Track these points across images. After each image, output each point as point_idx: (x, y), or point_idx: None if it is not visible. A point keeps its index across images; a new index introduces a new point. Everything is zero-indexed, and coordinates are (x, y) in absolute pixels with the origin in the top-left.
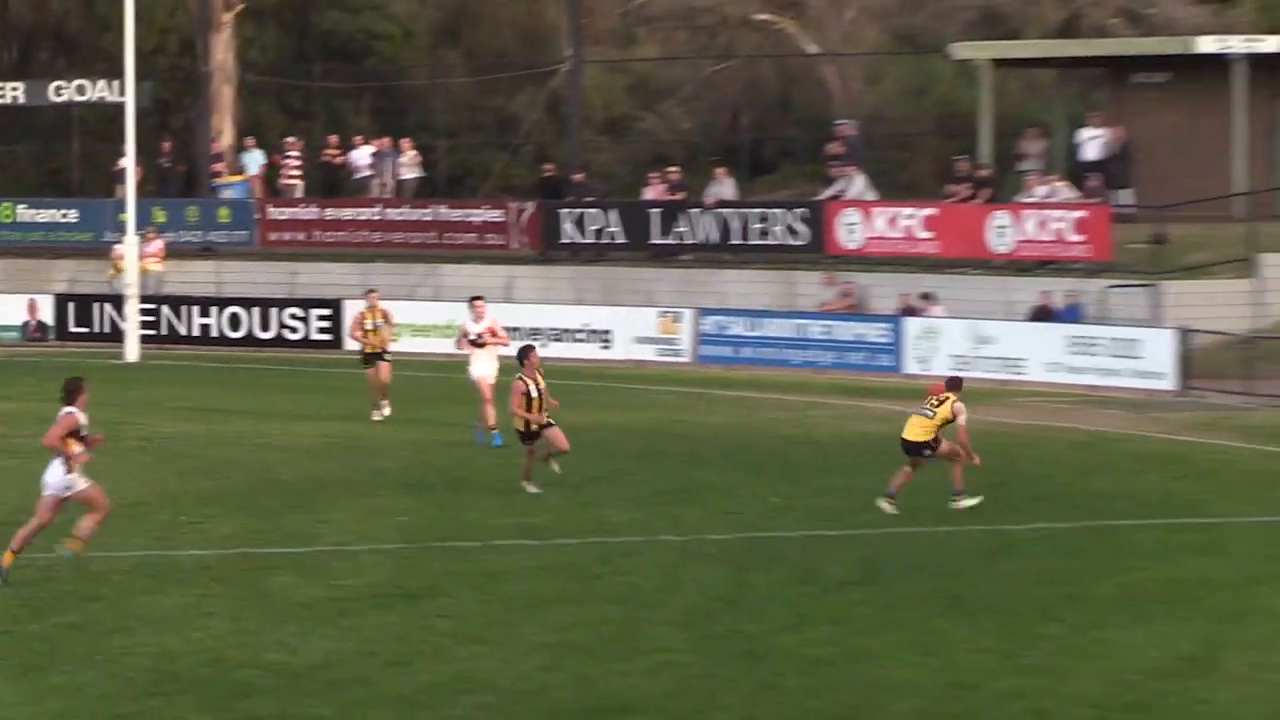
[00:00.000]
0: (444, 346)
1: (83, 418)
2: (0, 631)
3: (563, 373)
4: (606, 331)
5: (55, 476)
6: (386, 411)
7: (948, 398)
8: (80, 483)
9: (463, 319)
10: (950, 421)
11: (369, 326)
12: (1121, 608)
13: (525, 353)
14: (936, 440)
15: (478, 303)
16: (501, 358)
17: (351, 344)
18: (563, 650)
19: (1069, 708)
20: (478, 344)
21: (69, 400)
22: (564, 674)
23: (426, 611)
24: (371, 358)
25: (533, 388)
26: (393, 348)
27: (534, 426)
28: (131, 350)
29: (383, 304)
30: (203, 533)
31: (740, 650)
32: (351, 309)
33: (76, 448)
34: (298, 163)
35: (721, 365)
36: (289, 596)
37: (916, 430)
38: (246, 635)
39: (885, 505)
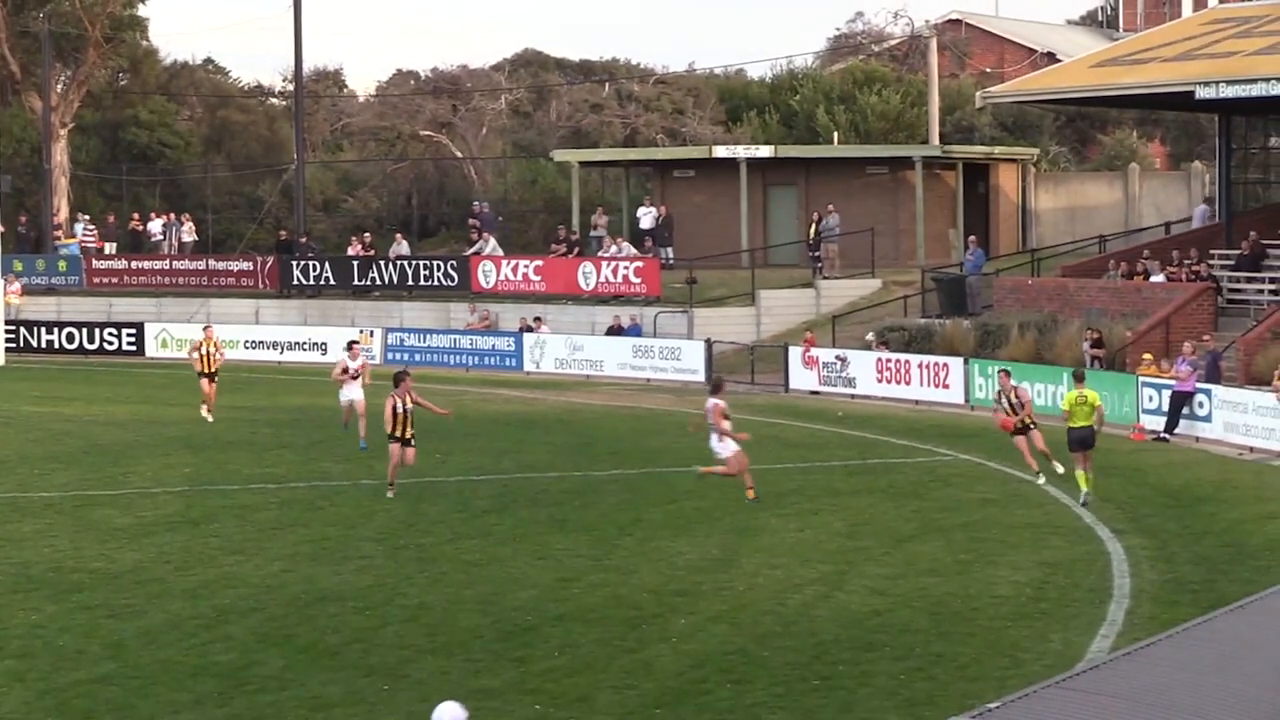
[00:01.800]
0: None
1: (725, 405)
2: None
3: (294, 370)
4: (323, 343)
5: (715, 445)
6: (209, 418)
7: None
8: (725, 451)
9: (341, 356)
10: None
11: (203, 352)
12: (669, 526)
13: (399, 378)
14: (1025, 425)
15: (355, 346)
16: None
17: (155, 353)
18: (296, 558)
19: (637, 592)
20: (353, 376)
21: (715, 393)
22: (297, 574)
23: (203, 533)
24: (204, 375)
25: (399, 405)
26: (178, 354)
27: (398, 434)
28: None
29: (216, 335)
30: (48, 481)
31: (416, 556)
32: (150, 329)
33: (726, 425)
34: (93, 231)
35: (401, 365)
36: (108, 524)
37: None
38: (79, 550)
39: (1055, 470)
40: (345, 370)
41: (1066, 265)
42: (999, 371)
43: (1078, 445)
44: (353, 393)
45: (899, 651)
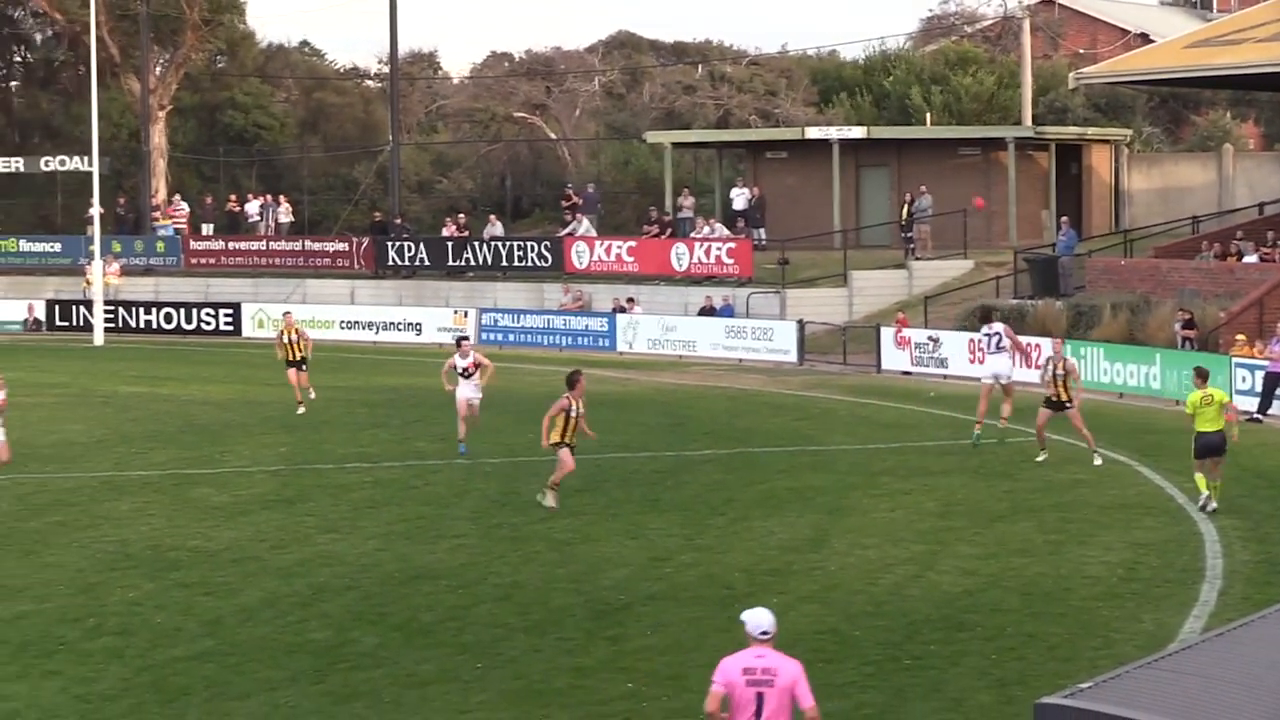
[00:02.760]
0: (308, 334)
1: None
2: (8, 528)
3: (389, 351)
4: (418, 323)
5: (1001, 367)
6: (301, 411)
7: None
8: (1011, 377)
9: (453, 356)
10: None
11: (286, 341)
12: (761, 506)
13: (575, 378)
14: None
15: (464, 343)
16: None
17: (251, 333)
18: (391, 537)
19: (729, 572)
20: (463, 374)
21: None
22: (391, 553)
23: (298, 511)
24: (291, 364)
25: (573, 408)
26: (274, 334)
27: (567, 441)
28: (98, 337)
29: (297, 323)
30: (146, 460)
31: (509, 535)
32: (247, 310)
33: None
34: (182, 212)
35: (495, 346)
36: (205, 502)
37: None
38: (177, 529)
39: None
40: (454, 368)
41: (1159, 246)
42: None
43: (1205, 452)
44: (467, 391)
45: (990, 631)
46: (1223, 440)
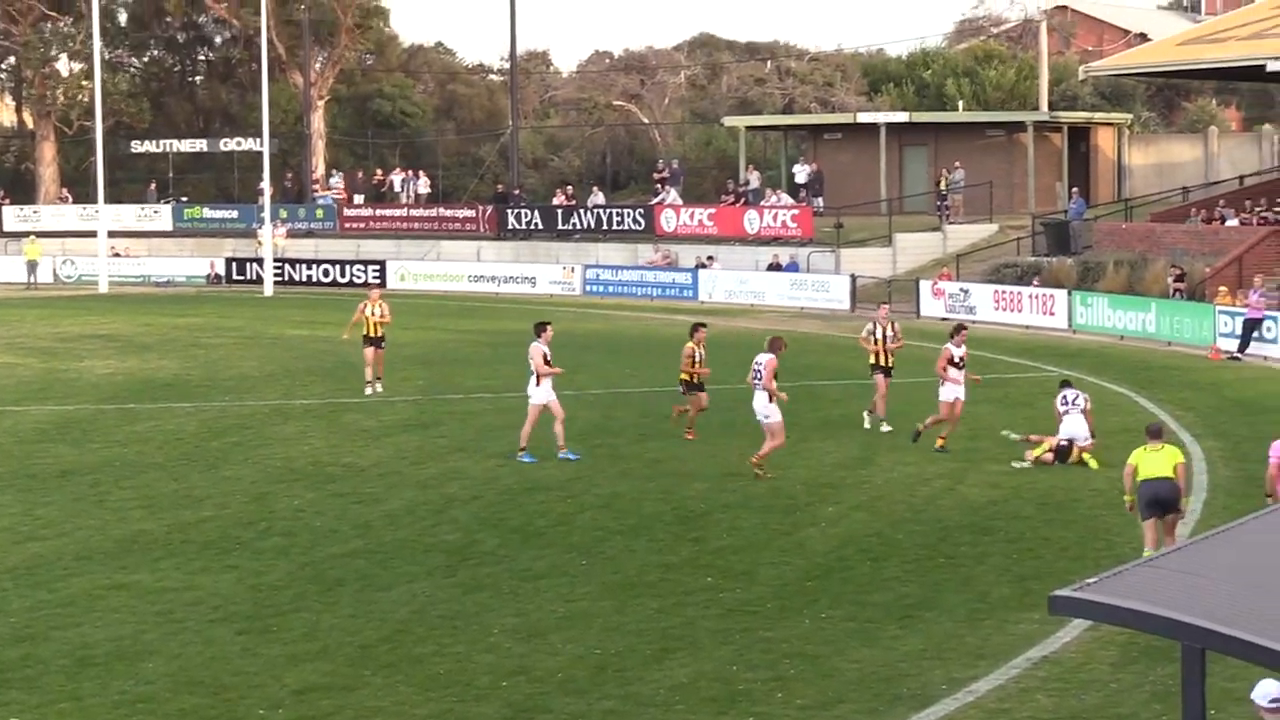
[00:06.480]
0: (442, 286)
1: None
2: (194, 447)
3: (509, 300)
4: (533, 277)
5: (1078, 430)
6: (370, 392)
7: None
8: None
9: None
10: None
11: (368, 314)
12: (819, 430)
13: (695, 329)
14: (887, 366)
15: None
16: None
17: (395, 285)
18: (510, 455)
19: (792, 484)
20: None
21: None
22: (510, 469)
23: (432, 434)
24: (370, 340)
25: (698, 353)
26: (414, 286)
27: (694, 380)
28: (268, 289)
29: (382, 299)
30: (308, 390)
31: (609, 454)
32: (392, 266)
33: None
34: (339, 186)
35: (598, 297)
36: (356, 426)
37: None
38: (333, 448)
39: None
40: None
41: (1155, 212)
42: (880, 304)
43: (1154, 505)
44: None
45: (1012, 535)
46: (1175, 492)
